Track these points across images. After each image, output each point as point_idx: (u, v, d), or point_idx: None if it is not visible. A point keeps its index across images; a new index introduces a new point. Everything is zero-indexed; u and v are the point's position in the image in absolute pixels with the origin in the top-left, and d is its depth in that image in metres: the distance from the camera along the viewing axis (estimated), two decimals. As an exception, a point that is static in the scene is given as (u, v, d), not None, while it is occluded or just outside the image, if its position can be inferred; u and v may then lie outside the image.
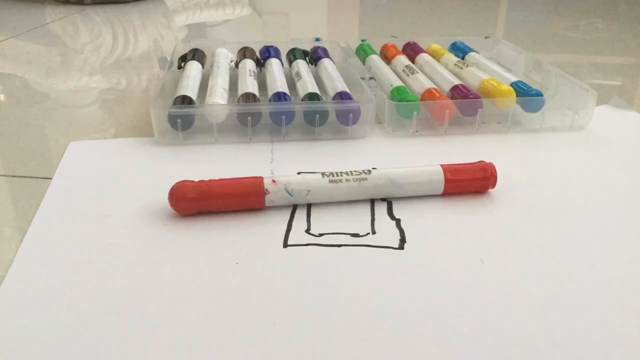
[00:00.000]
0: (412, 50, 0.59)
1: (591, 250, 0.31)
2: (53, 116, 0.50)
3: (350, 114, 0.43)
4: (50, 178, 0.38)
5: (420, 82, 0.49)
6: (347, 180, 0.34)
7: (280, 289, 0.27)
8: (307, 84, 0.47)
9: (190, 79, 0.48)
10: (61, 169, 0.39)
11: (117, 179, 0.38)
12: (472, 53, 0.58)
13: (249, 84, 0.47)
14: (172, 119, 0.42)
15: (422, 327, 0.25)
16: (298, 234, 0.32)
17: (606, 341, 0.24)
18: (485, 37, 0.64)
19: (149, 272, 0.29)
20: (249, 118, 0.43)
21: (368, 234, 0.32)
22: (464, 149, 0.43)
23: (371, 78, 0.50)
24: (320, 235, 0.32)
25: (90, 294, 0.27)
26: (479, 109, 0.45)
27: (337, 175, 0.34)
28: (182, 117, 0.42)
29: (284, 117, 0.43)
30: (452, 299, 0.27)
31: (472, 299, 0.27)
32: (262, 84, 0.50)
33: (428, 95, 0.46)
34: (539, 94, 0.46)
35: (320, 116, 0.43)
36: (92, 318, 0.26)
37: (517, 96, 0.46)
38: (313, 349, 0.24)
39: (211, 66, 0.52)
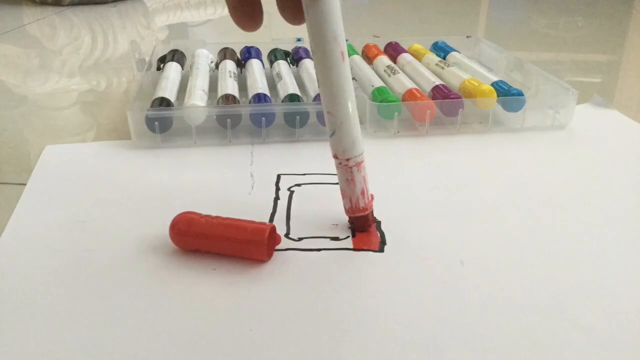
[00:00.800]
0: (393, 50, 0.59)
1: (575, 248, 0.31)
2: (31, 119, 0.50)
3: None
4: (23, 184, 0.37)
5: (401, 83, 0.49)
6: None
7: (258, 294, 0.27)
8: (288, 85, 0.47)
9: (169, 80, 0.47)
10: (36, 174, 0.39)
11: (93, 183, 0.37)
12: (453, 52, 0.58)
13: (229, 85, 0.46)
14: (150, 122, 0.42)
15: (403, 330, 0.25)
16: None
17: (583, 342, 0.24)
18: (467, 37, 0.64)
19: (125, 279, 0.28)
20: (229, 120, 0.42)
21: (348, 237, 0.32)
22: (446, 149, 0.43)
23: (352, 79, 0.49)
24: (300, 239, 0.31)
25: (64, 302, 0.27)
26: (460, 109, 0.45)
27: None
28: (160, 120, 0.42)
29: (263, 118, 0.42)
30: (433, 301, 0.27)
31: (453, 300, 0.27)
32: (243, 85, 0.49)
33: (409, 95, 0.46)
34: (520, 94, 0.46)
35: (300, 117, 0.43)
36: (65, 326, 0.25)
37: (498, 96, 0.46)
38: (292, 355, 0.24)
39: (190, 67, 0.52)
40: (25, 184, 0.37)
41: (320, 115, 0.43)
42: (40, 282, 0.28)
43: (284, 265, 0.29)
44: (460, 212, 0.34)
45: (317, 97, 0.45)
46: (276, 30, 0.82)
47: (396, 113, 0.44)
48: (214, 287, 0.27)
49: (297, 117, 0.43)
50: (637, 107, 0.53)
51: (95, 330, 0.25)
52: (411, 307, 0.26)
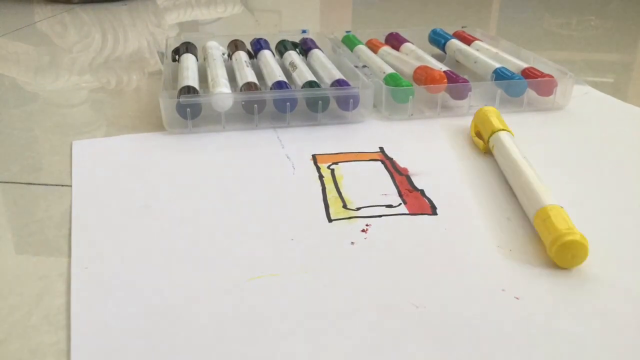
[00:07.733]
0: (395, 40, 0.61)
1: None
2: (41, 117, 0.50)
3: (351, 100, 0.44)
4: (31, 184, 0.37)
5: (409, 64, 0.51)
6: None
7: (331, 259, 0.29)
8: (305, 73, 0.48)
9: (190, 70, 0.48)
10: (77, 168, 0.39)
11: (143, 170, 0.38)
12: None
13: (248, 74, 0.48)
14: (181, 108, 0.43)
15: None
16: (336, 209, 0.33)
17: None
18: (462, 27, 0.64)
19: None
20: (256, 105, 0.44)
21: (400, 204, 0.34)
22: (456, 129, 0.45)
23: (364, 66, 0.51)
24: (358, 209, 0.33)
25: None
26: (469, 92, 0.47)
27: None
28: (191, 106, 0.43)
29: (288, 104, 0.44)
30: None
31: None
32: (258, 74, 0.50)
33: (420, 70, 0.48)
34: (521, 79, 0.48)
35: (322, 102, 0.44)
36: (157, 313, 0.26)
37: (499, 80, 0.48)
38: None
39: (205, 59, 0.53)
40: (34, 184, 0.37)
41: (339, 100, 0.45)
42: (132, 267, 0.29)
43: (352, 232, 0.31)
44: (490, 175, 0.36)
45: (333, 84, 0.46)
46: (287, 28, 0.82)
47: (410, 97, 0.46)
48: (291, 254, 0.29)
49: (320, 102, 0.44)
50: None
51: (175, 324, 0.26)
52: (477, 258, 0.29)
